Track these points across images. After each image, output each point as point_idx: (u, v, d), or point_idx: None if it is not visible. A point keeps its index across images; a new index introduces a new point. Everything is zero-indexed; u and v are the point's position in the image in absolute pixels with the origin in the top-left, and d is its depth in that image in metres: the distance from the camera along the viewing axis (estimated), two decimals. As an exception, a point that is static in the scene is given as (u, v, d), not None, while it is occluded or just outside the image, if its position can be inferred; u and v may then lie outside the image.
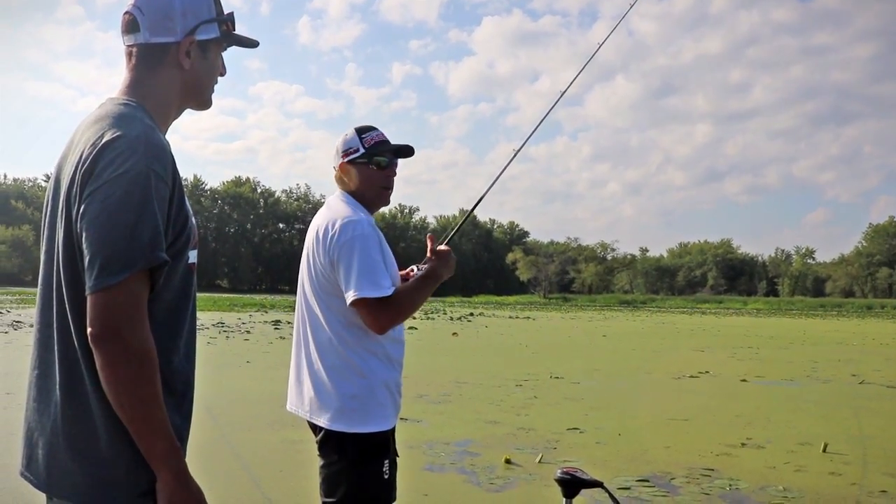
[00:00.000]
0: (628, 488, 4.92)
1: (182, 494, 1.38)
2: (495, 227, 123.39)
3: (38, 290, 1.51)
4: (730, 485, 5.07)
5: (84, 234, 1.35)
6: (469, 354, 14.50)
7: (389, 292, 2.22)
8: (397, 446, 2.37)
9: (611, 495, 2.12)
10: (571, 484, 2.06)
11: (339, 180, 2.44)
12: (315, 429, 2.33)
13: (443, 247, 2.47)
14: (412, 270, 2.61)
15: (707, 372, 12.15)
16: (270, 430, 6.48)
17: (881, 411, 8.51)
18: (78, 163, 1.41)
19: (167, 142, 1.49)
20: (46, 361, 1.46)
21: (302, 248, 2.46)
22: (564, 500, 2.09)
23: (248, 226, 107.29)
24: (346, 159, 2.39)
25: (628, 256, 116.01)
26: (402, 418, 2.47)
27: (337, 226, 2.27)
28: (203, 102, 1.66)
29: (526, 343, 18.09)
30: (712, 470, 5.46)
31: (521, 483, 5.03)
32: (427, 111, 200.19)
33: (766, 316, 48.27)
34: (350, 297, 2.20)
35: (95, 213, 1.35)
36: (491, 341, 18.52)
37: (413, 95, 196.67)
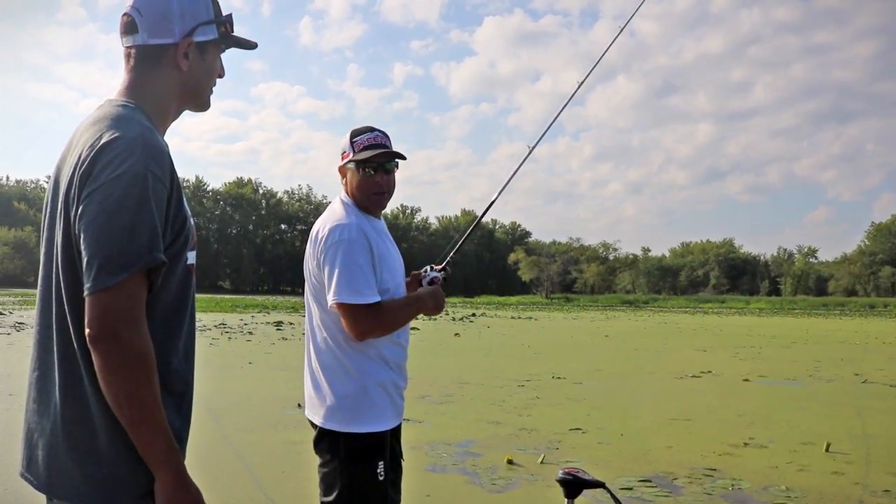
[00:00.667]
0: (630, 489, 4.91)
1: (181, 495, 1.38)
2: (497, 227, 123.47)
3: (38, 291, 1.51)
4: (732, 485, 5.06)
5: (82, 236, 1.35)
6: (471, 355, 14.50)
7: (370, 300, 2.20)
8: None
9: (613, 496, 2.12)
10: (573, 484, 2.06)
11: (342, 182, 2.45)
12: (313, 427, 2.35)
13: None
14: (425, 271, 2.62)
15: (709, 372, 12.13)
16: (273, 430, 6.48)
17: (884, 410, 8.49)
18: (76, 164, 1.41)
19: (165, 143, 1.49)
20: (46, 363, 1.46)
21: (304, 249, 2.47)
22: (566, 500, 2.09)
23: (251, 227, 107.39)
24: (340, 163, 2.40)
25: (630, 256, 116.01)
26: (404, 419, 2.46)
27: (326, 229, 2.29)
28: (201, 104, 1.66)
29: (528, 343, 18.07)
30: (715, 470, 5.45)
31: (523, 483, 5.02)
32: (429, 111, 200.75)
33: (769, 315, 48.21)
34: (329, 300, 2.23)
35: (93, 215, 1.35)
36: (493, 342, 18.51)
37: (415, 96, 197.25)
